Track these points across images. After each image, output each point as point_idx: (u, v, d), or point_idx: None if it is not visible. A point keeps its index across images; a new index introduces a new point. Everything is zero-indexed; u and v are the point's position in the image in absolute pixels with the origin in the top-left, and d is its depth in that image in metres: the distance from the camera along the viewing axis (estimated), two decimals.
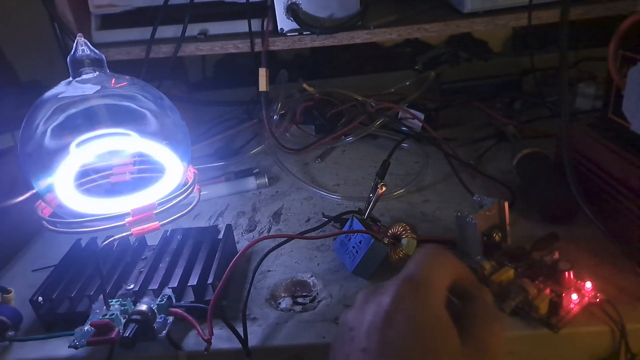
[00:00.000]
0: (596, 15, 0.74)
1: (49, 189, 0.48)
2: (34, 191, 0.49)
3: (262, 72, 0.76)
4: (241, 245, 0.61)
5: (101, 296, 0.47)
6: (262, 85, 0.76)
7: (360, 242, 0.52)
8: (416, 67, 1.05)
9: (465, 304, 0.36)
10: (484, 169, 0.71)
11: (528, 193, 0.62)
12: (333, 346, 0.36)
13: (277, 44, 0.77)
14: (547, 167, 0.62)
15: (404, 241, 0.51)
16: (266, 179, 0.73)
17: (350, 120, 0.86)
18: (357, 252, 0.52)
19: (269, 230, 0.64)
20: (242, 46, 0.78)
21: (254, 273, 0.50)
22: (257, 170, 0.75)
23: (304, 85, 0.88)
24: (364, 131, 0.81)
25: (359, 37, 0.77)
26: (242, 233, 0.64)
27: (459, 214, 0.51)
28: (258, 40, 0.78)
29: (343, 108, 0.87)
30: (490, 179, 0.68)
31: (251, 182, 0.73)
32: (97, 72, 0.48)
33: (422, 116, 0.80)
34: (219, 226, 0.60)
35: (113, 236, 0.46)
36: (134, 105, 0.49)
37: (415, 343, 0.31)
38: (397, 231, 0.52)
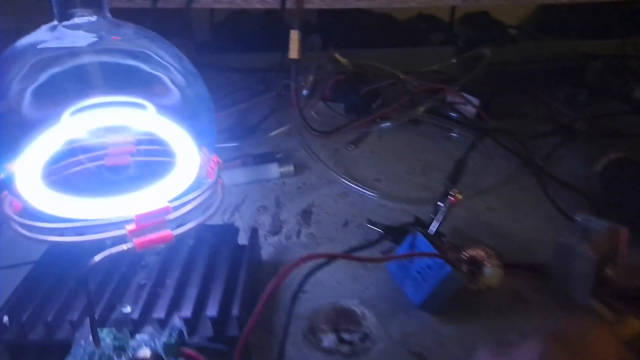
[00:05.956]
0: None
1: None
2: (1, 176, 0.36)
3: (294, 36, 0.62)
4: (265, 252, 0.48)
5: (88, 320, 0.35)
6: (294, 52, 0.62)
7: (428, 267, 0.40)
8: (459, 44, 0.92)
9: None
10: (552, 171, 0.60)
11: (624, 210, 0.50)
12: None
13: (314, 2, 0.63)
14: None
15: (487, 270, 0.39)
16: (292, 167, 0.60)
17: (388, 100, 0.73)
18: (424, 279, 0.40)
19: (298, 234, 0.51)
20: (271, 0, 0.64)
21: (292, 302, 0.38)
22: (280, 155, 0.63)
23: (336, 55, 0.74)
24: (407, 115, 0.68)
25: None
26: (265, 235, 0.51)
27: (562, 239, 0.39)
28: None
29: (380, 86, 0.74)
30: (564, 185, 0.56)
31: (274, 170, 0.60)
32: (95, 16, 0.34)
33: (477, 102, 0.67)
34: (236, 224, 0.48)
35: (108, 249, 0.33)
36: (144, 67, 0.35)
37: None
38: (477, 255, 0.40)
